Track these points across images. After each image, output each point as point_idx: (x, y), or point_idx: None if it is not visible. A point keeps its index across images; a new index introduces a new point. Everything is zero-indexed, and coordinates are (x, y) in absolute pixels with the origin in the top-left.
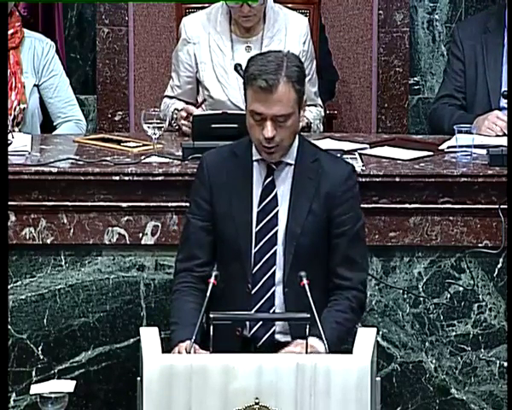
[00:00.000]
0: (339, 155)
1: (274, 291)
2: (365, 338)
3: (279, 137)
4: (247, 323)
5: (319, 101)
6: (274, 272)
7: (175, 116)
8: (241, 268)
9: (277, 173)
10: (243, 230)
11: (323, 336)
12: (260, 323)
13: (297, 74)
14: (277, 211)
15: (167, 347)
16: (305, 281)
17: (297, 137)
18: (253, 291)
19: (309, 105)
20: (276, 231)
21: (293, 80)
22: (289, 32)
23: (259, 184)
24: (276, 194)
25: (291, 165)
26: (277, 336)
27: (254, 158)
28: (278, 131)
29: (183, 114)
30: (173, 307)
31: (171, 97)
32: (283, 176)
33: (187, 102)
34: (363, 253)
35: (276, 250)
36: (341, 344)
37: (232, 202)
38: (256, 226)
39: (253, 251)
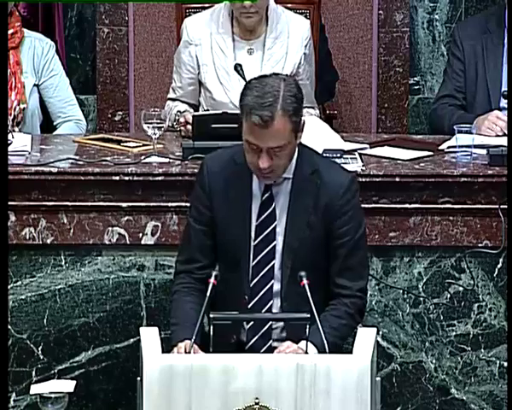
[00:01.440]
0: (339, 154)
1: (272, 304)
2: (365, 338)
3: (275, 164)
4: (245, 332)
5: (315, 103)
6: (272, 285)
7: (177, 118)
8: (238, 279)
9: (276, 189)
10: (241, 242)
11: (318, 340)
12: (258, 334)
13: (293, 106)
14: (275, 226)
15: (167, 347)
16: (305, 281)
17: (296, 148)
18: (250, 304)
19: (308, 107)
20: (274, 246)
21: (289, 113)
22: (292, 35)
23: (258, 198)
24: (274, 209)
25: (289, 179)
26: (275, 344)
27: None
28: (274, 160)
29: (182, 120)
30: (173, 307)
31: (173, 99)
32: (282, 190)
33: (189, 104)
34: (364, 260)
35: (273, 264)
36: (335, 350)
37: (231, 212)
38: (254, 240)
39: (251, 264)
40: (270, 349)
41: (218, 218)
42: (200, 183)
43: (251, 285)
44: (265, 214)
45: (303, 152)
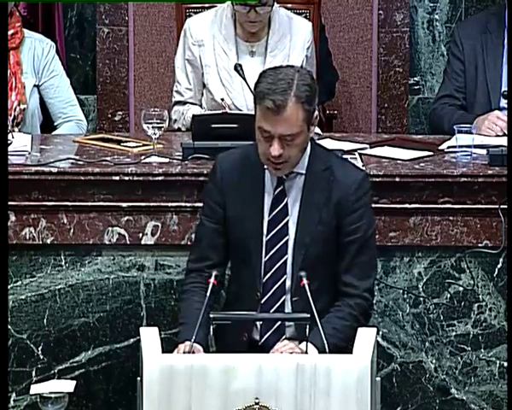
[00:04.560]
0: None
1: (284, 300)
2: (365, 338)
3: (286, 154)
4: (258, 330)
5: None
6: (284, 281)
7: None
8: (251, 275)
9: (288, 183)
10: (254, 238)
11: (319, 341)
12: (271, 331)
13: (307, 94)
14: (287, 221)
15: (167, 347)
16: (304, 281)
17: (309, 144)
18: (263, 300)
19: None
20: (287, 241)
21: (302, 101)
22: (294, 38)
23: (270, 193)
24: (286, 203)
25: (302, 174)
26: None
27: (266, 166)
28: (286, 149)
29: None
30: (182, 307)
31: (183, 103)
32: (294, 185)
33: (200, 106)
34: (372, 260)
35: (286, 260)
36: (337, 351)
37: (243, 208)
38: (267, 235)
39: (264, 260)
40: None
41: (230, 214)
42: (213, 180)
43: (263, 281)
44: (278, 209)
45: (316, 149)
